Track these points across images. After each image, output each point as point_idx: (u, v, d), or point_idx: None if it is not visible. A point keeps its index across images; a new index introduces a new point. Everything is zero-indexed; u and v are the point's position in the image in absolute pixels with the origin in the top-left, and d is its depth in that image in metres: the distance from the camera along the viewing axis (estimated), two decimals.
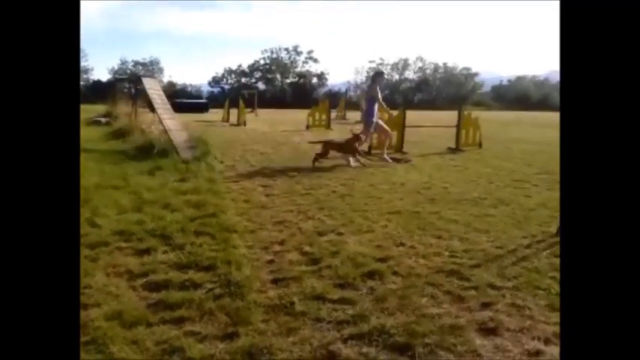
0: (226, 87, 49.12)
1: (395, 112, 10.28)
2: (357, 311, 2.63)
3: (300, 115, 20.39)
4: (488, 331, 2.46)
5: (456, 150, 9.81)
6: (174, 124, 8.74)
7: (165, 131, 8.39)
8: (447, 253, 3.59)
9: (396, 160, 8.34)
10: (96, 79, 47.66)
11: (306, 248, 3.65)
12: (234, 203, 5.03)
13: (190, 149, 7.84)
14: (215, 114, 22.92)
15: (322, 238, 3.93)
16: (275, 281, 3.05)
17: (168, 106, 9.69)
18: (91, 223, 4.12)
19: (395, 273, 3.18)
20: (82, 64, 48.96)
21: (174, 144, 7.86)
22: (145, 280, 3.03)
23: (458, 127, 10.14)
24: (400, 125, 9.67)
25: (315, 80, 51.31)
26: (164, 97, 10.10)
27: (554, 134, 13.67)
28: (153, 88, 10.31)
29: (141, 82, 11.37)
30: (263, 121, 19.51)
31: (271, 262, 3.40)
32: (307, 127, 14.77)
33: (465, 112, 10.31)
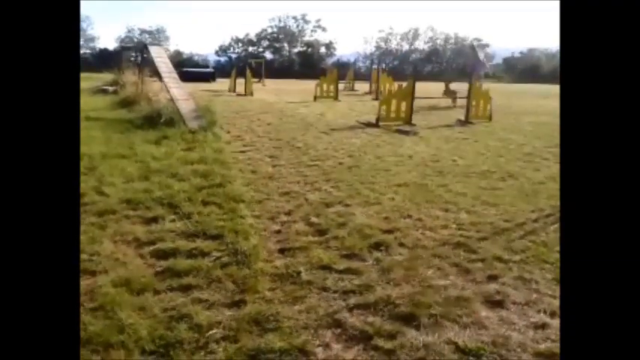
0: (233, 56, 48.47)
1: (404, 84, 10.13)
2: (363, 281, 2.64)
3: (308, 86, 20.14)
4: (494, 303, 2.47)
5: (465, 122, 9.69)
6: (180, 94, 8.66)
7: (172, 100, 8.33)
8: (454, 226, 3.57)
9: (404, 132, 8.26)
10: (102, 47, 47.14)
11: (313, 219, 3.65)
12: (241, 173, 5.02)
13: (197, 119, 7.79)
14: (222, 83, 22.71)
15: (329, 209, 3.92)
16: (282, 251, 3.07)
17: (175, 75, 9.59)
18: (98, 191, 4.14)
19: (401, 245, 3.18)
20: (88, 32, 48.42)
21: (180, 113, 7.80)
22: (152, 248, 3.05)
23: (468, 98, 9.98)
24: (409, 96, 9.53)
25: (323, 50, 50.46)
26: (171, 66, 9.98)
27: None
28: (160, 57, 10.20)
29: (147, 50, 11.24)
30: (270, 91, 19.31)
31: (278, 232, 3.41)
32: (315, 98, 14.59)
33: (476, 84, 10.12)
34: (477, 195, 4.41)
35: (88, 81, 17.63)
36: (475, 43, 49.99)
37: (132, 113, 9.31)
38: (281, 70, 40.21)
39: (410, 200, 4.19)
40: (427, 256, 3.01)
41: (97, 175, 4.65)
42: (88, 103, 11.47)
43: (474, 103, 10.04)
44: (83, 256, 2.84)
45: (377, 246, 3.14)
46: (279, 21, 50.35)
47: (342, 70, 22.04)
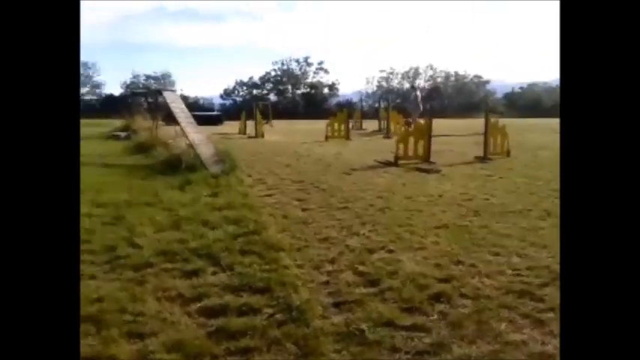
0: (238, 99, 49.19)
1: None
2: (434, 339, 2.43)
3: (314, 126, 20.29)
4: None
5: (484, 159, 9.59)
6: (199, 138, 8.64)
7: (191, 145, 8.28)
8: (510, 272, 3.38)
9: (425, 171, 8.15)
10: (108, 93, 48.01)
11: (360, 267, 3.46)
12: (273, 219, 4.86)
13: (218, 163, 7.71)
14: (230, 126, 22.92)
15: (373, 255, 3.74)
16: (336, 305, 2.87)
17: (192, 120, 9.60)
18: (130, 242, 3.98)
19: (462, 295, 2.98)
20: (95, 78, 49.49)
21: (201, 158, 7.73)
22: (199, 304, 2.86)
23: (485, 135, 9.92)
24: (426, 134, 9.48)
25: (326, 90, 51.26)
26: (187, 111, 10.02)
27: None
28: (174, 102, 10.25)
29: (160, 95, 11.34)
30: (279, 132, 19.42)
31: (327, 283, 3.22)
32: (326, 137, 14.62)
33: (492, 120, 10.10)
34: (522, 236, 4.23)
35: (97, 127, 17.79)
36: (476, 80, 50.96)
37: (149, 159, 9.27)
38: (285, 111, 40.64)
39: (455, 243, 4.01)
40: (493, 307, 2.81)
41: (125, 224, 4.51)
42: (101, 149, 11.48)
43: (491, 139, 9.97)
44: (127, 317, 2.66)
45: (437, 297, 2.94)
46: (282, 64, 51.41)
47: (348, 109, 22.24)
